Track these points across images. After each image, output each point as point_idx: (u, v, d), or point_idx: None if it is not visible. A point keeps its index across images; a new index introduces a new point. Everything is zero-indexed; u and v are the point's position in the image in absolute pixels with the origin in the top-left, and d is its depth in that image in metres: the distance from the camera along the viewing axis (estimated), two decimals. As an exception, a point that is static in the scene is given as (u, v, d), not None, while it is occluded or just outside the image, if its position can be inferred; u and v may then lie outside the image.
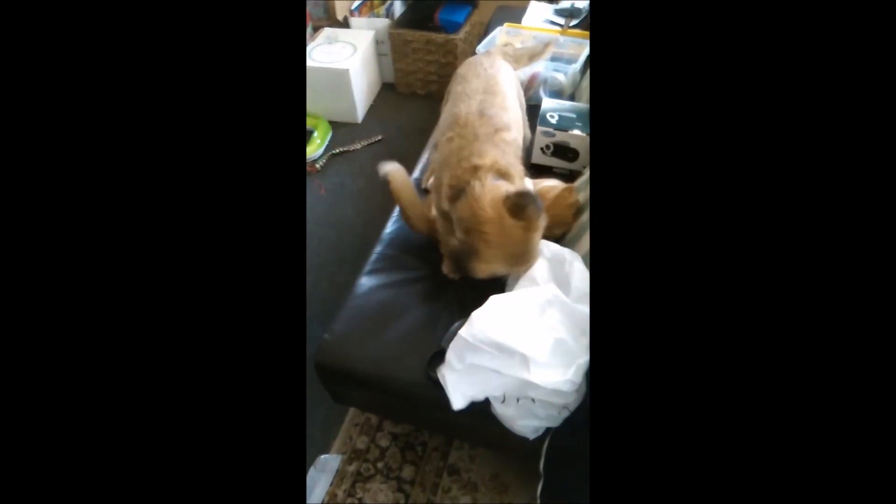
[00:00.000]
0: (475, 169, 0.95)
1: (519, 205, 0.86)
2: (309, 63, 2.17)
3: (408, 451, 1.24)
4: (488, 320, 0.78)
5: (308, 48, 2.25)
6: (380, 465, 1.21)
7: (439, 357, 0.98)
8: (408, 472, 1.20)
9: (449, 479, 1.19)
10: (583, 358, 0.79)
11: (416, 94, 2.44)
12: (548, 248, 1.03)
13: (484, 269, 0.91)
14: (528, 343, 0.77)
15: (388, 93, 2.50)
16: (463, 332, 0.78)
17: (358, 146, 2.19)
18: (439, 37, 2.20)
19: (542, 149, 1.41)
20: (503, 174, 0.96)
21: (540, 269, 0.99)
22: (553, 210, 1.13)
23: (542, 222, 0.91)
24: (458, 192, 0.95)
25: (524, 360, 0.76)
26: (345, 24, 2.41)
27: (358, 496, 1.17)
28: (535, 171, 1.42)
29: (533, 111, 1.49)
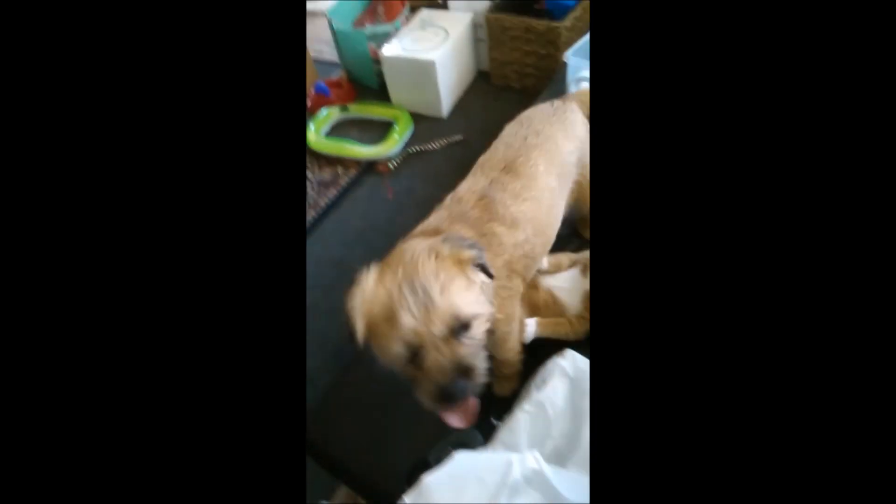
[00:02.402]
0: (436, 232, 0.75)
1: (446, 237, 0.68)
2: (395, 52, 2.02)
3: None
4: (440, 492, 0.60)
5: (401, 33, 2.09)
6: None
7: (422, 469, 0.84)
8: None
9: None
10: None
11: (510, 87, 2.17)
12: (574, 361, 0.80)
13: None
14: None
15: (481, 83, 2.26)
16: (408, 499, 0.62)
17: (436, 146, 2.01)
18: (540, 24, 1.89)
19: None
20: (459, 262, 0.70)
21: (556, 390, 0.77)
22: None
23: (477, 271, 0.70)
24: None
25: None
26: (444, 5, 2.20)
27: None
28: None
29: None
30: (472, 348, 0.66)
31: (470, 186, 0.87)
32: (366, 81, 2.32)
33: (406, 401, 1.01)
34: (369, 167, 2.01)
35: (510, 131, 0.98)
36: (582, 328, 0.97)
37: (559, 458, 0.70)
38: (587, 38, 1.52)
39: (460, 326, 0.64)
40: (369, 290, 0.65)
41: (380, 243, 1.70)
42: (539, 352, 0.97)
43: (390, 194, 1.90)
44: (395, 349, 0.63)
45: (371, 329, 0.66)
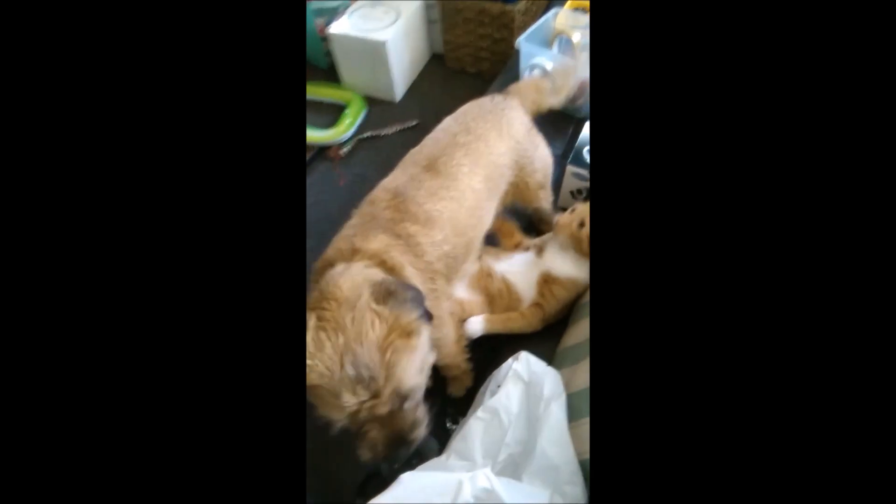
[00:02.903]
0: (353, 252, 0.72)
1: (389, 290, 0.63)
2: (345, 30, 1.92)
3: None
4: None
5: (350, 10, 1.99)
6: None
7: (375, 482, 0.82)
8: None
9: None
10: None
11: (465, 71, 2.12)
12: (528, 364, 0.78)
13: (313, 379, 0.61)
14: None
15: (435, 66, 2.20)
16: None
17: (389, 131, 1.95)
18: (494, 6, 1.84)
19: (571, 192, 1.11)
20: (390, 270, 0.72)
21: (511, 396, 0.75)
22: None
23: (423, 331, 0.66)
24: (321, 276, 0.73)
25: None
26: (394, -19, 2.10)
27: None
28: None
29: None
30: (413, 413, 0.66)
31: (386, 184, 0.84)
32: (314, 61, 2.20)
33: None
34: (319, 153, 1.92)
35: (444, 125, 0.94)
36: (535, 318, 0.95)
37: (514, 468, 0.69)
38: (539, 22, 1.49)
39: (403, 399, 0.63)
40: (309, 352, 0.60)
41: (331, 234, 1.64)
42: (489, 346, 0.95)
43: (342, 182, 1.83)
44: (337, 418, 0.62)
45: (312, 390, 0.62)
